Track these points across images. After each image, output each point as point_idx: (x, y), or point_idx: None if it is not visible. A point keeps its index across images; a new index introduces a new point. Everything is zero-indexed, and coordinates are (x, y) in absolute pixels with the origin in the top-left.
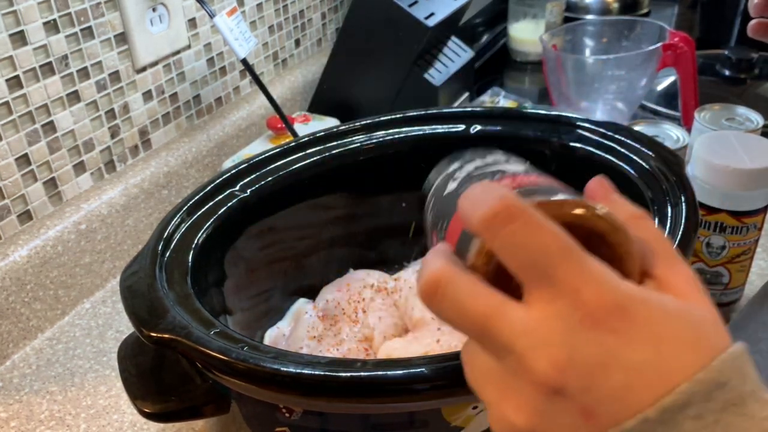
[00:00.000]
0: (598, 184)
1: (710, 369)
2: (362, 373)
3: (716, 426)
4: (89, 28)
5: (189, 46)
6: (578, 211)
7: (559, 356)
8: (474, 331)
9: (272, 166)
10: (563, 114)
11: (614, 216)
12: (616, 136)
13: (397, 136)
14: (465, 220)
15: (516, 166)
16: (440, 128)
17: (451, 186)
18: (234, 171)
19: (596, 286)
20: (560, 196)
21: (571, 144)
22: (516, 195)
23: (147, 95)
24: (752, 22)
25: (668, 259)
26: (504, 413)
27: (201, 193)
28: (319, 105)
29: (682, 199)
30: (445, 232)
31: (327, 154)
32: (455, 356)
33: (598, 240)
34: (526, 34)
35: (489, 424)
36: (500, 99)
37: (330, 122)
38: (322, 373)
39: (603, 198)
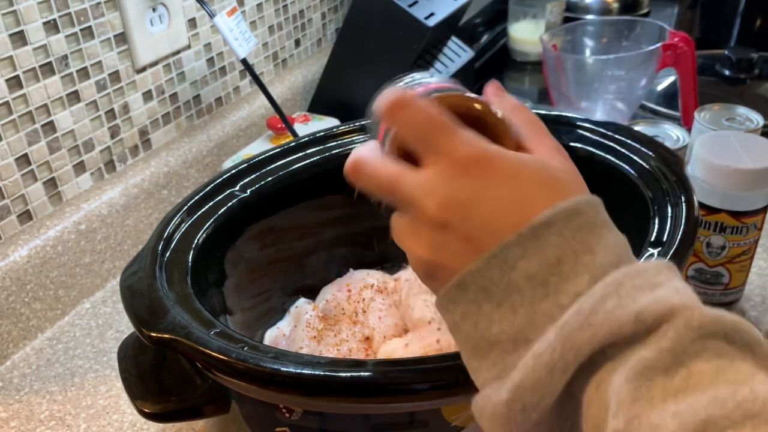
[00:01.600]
0: (492, 86)
1: (569, 201)
2: (362, 373)
3: (573, 240)
4: (89, 28)
5: (189, 46)
6: (459, 100)
7: (441, 199)
8: (386, 194)
9: (272, 166)
10: (563, 114)
11: (488, 105)
12: (616, 136)
13: None
14: (376, 114)
15: (435, 79)
16: None
17: None
18: (234, 171)
19: (465, 147)
20: (451, 93)
21: (571, 144)
22: (407, 91)
23: (147, 95)
24: None
25: (537, 135)
26: (415, 253)
27: (201, 193)
28: (319, 105)
29: (682, 198)
30: (377, 133)
31: (327, 154)
32: (455, 356)
33: (481, 123)
34: (526, 34)
35: (414, 271)
36: None
37: (330, 122)
38: (322, 373)
39: (493, 94)
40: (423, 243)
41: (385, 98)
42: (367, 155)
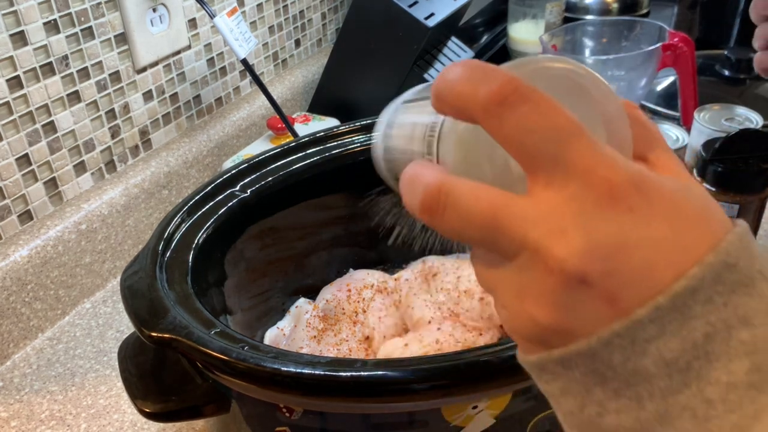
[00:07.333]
0: None
1: (719, 251)
2: (362, 373)
3: (725, 308)
4: (89, 28)
5: (189, 47)
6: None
7: (576, 241)
8: (483, 235)
9: (272, 166)
10: None
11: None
12: None
13: None
14: (456, 106)
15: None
16: None
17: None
18: (234, 171)
19: (610, 165)
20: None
21: None
22: (501, 71)
23: (147, 95)
24: (758, 56)
25: (660, 144)
26: (525, 312)
27: (201, 193)
28: (319, 105)
29: None
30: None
31: (327, 154)
32: (455, 356)
33: None
34: (526, 34)
35: (508, 329)
36: None
37: (330, 122)
38: (323, 372)
39: None
40: (542, 302)
41: (478, 82)
42: (449, 181)
